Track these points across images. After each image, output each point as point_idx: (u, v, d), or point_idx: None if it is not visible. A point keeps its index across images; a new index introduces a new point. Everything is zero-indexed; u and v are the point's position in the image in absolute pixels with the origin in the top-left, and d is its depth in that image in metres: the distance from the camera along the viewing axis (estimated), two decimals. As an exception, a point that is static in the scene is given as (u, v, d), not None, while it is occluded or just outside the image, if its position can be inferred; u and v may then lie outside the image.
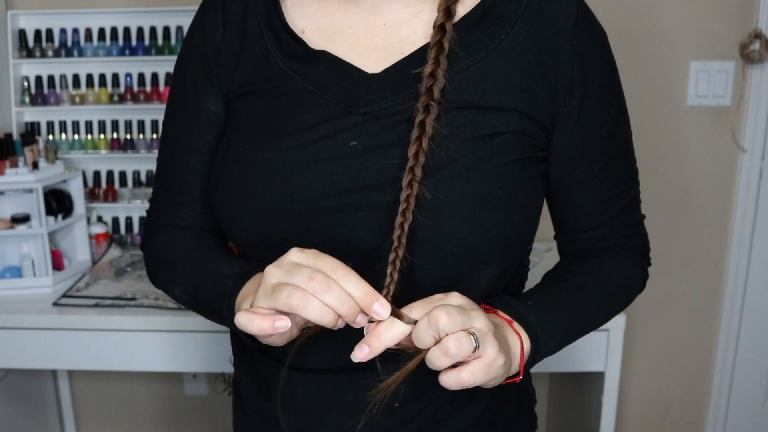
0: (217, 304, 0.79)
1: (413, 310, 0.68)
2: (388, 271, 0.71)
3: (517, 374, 0.76)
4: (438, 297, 0.70)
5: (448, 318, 0.65)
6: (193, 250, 0.87)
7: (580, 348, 1.72)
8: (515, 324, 0.77)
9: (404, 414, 0.83)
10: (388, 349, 0.68)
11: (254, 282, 0.76)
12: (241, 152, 0.80)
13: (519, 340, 0.76)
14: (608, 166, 0.84)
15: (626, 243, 0.89)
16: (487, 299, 0.81)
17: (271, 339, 0.69)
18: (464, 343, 0.65)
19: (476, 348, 0.66)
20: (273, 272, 0.67)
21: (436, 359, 0.66)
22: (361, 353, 0.67)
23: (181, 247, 0.88)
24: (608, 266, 0.87)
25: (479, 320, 0.68)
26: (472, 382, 0.67)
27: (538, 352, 0.78)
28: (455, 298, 0.70)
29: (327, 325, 0.65)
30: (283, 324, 0.66)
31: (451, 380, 0.68)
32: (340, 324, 0.66)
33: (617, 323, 1.69)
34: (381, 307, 0.66)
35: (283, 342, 0.70)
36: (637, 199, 0.89)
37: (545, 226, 0.90)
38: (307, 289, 0.64)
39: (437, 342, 0.66)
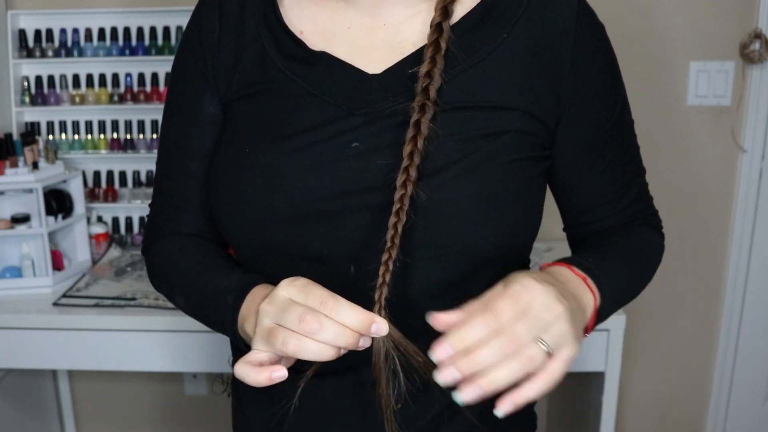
0: (220, 320, 0.79)
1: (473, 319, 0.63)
2: (381, 271, 0.71)
3: (584, 330, 0.75)
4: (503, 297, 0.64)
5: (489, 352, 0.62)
6: (193, 260, 0.86)
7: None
8: (590, 281, 0.76)
9: (406, 416, 0.82)
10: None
11: (254, 298, 0.75)
12: (241, 156, 0.79)
13: (593, 297, 0.75)
14: (616, 158, 0.84)
15: (642, 224, 0.89)
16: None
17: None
18: (536, 358, 0.63)
19: (549, 353, 0.64)
20: (266, 311, 0.67)
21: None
22: (443, 352, 0.62)
23: (181, 258, 0.87)
24: (636, 237, 0.87)
25: (557, 324, 0.64)
26: (544, 390, 0.65)
27: (603, 309, 0.77)
28: (525, 302, 0.63)
29: (329, 359, 0.65)
30: (281, 375, 0.66)
31: (514, 400, 0.65)
32: (343, 351, 0.66)
33: (617, 323, 1.69)
34: (379, 327, 0.65)
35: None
36: (645, 184, 0.90)
37: (545, 225, 0.89)
38: (299, 332, 0.64)
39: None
